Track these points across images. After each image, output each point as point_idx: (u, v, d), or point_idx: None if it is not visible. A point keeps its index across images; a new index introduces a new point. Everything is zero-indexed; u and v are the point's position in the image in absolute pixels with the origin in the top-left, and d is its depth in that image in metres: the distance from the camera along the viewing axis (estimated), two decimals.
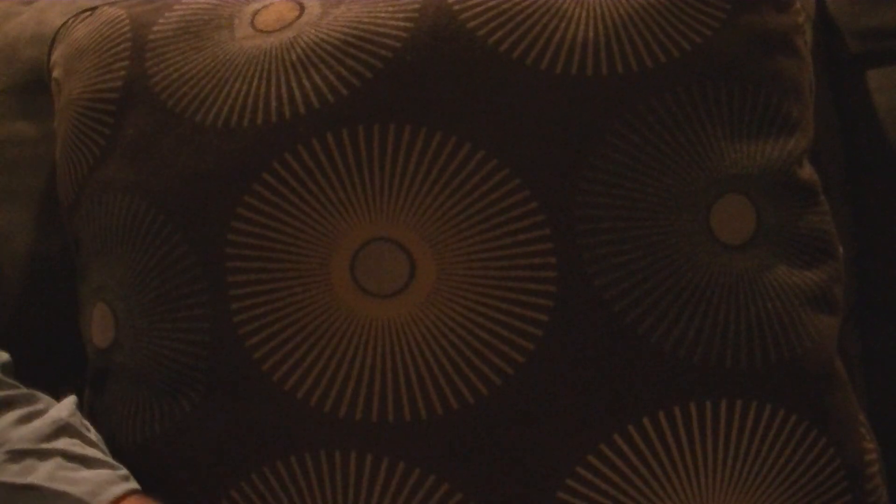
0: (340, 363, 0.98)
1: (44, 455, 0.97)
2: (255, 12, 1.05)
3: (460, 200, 0.98)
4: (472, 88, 0.99)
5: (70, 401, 1.03)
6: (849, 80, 1.16)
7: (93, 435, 1.01)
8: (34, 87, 1.21)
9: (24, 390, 1.03)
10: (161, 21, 1.06)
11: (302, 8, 1.05)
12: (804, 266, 1.02)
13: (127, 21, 1.08)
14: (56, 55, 1.12)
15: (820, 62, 1.13)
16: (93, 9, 1.12)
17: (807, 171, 1.03)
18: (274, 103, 1.00)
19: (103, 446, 1.01)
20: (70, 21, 1.13)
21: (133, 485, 0.98)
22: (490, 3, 1.01)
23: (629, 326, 0.97)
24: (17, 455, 0.97)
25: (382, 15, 1.02)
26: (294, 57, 1.02)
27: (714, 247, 0.99)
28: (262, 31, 1.04)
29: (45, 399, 1.03)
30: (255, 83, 1.01)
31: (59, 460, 0.97)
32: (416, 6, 1.02)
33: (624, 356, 0.97)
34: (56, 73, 1.11)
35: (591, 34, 1.00)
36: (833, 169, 1.14)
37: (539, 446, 0.97)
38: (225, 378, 1.00)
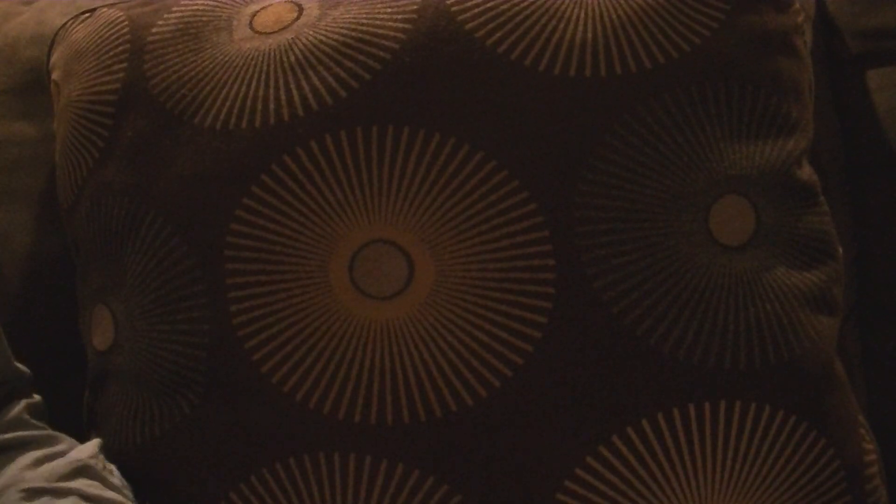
0: (339, 365, 0.98)
1: (60, 493, 0.94)
2: (254, 14, 1.05)
3: (459, 202, 0.98)
4: (471, 90, 0.99)
5: (93, 444, 1.01)
6: (849, 80, 1.16)
7: (116, 479, 0.98)
8: (34, 87, 1.21)
9: (48, 432, 1.02)
10: (160, 23, 1.06)
11: (300, 9, 1.05)
12: (803, 267, 1.02)
13: (126, 23, 1.08)
14: (55, 57, 1.12)
15: (820, 62, 1.13)
16: (92, 10, 1.12)
17: (806, 172, 1.03)
18: (272, 105, 1.00)
19: (128, 492, 0.98)
20: (69, 23, 1.13)
21: None
22: (488, 5, 1.01)
23: (628, 328, 0.97)
24: (33, 493, 0.94)
25: (381, 16, 1.02)
26: (292, 59, 1.02)
27: (713, 248, 0.99)
28: (260, 32, 1.04)
29: (66, 441, 1.01)
30: (253, 85, 1.01)
31: (75, 499, 0.94)
32: (415, 7, 1.02)
33: (623, 358, 0.97)
34: (55, 75, 1.11)
35: (589, 35, 1.00)
36: (833, 169, 1.14)
37: (538, 448, 0.97)
38: (224, 380, 1.00)
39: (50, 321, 1.17)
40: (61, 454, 0.99)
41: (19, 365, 1.04)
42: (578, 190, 0.98)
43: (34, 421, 1.02)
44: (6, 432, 1.00)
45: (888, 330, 1.14)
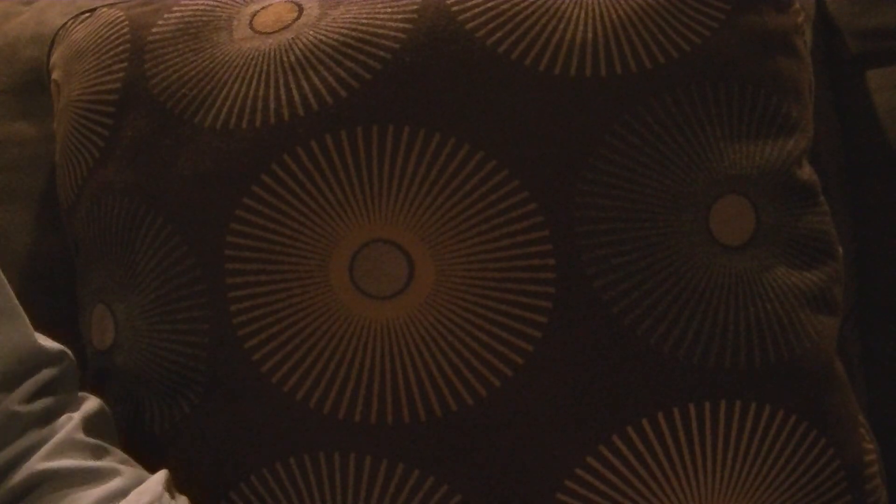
0: (339, 365, 0.98)
1: None
2: (254, 14, 1.05)
3: (459, 202, 0.98)
4: (471, 89, 0.99)
5: (157, 481, 0.91)
6: (849, 80, 1.16)
7: None
8: (34, 87, 1.21)
9: (104, 462, 0.92)
10: (160, 23, 1.06)
11: (300, 9, 1.05)
12: (803, 266, 1.02)
13: (126, 23, 1.08)
14: (55, 56, 1.12)
15: (820, 62, 1.13)
16: (92, 10, 1.12)
17: (806, 172, 1.03)
18: (272, 105, 1.00)
19: None
20: (69, 22, 1.13)
21: None
22: (489, 4, 1.01)
23: (628, 327, 0.97)
24: None
25: (381, 16, 1.02)
26: (293, 58, 1.02)
27: (713, 247, 0.99)
28: (260, 32, 1.04)
29: (126, 473, 0.92)
30: (253, 85, 1.01)
31: None
32: (415, 7, 1.02)
33: (623, 357, 0.97)
34: (55, 75, 1.11)
35: (589, 35, 1.00)
36: (833, 169, 1.14)
37: (538, 448, 0.97)
38: (224, 379, 1.00)
39: (50, 321, 1.17)
40: (119, 495, 0.90)
41: (50, 343, 0.96)
42: (578, 190, 0.98)
43: (90, 439, 0.93)
44: (50, 458, 0.91)
45: (888, 330, 1.14)
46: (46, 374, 0.96)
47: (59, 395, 0.96)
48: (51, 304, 1.17)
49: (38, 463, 0.91)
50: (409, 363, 0.97)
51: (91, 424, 0.96)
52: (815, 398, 1.00)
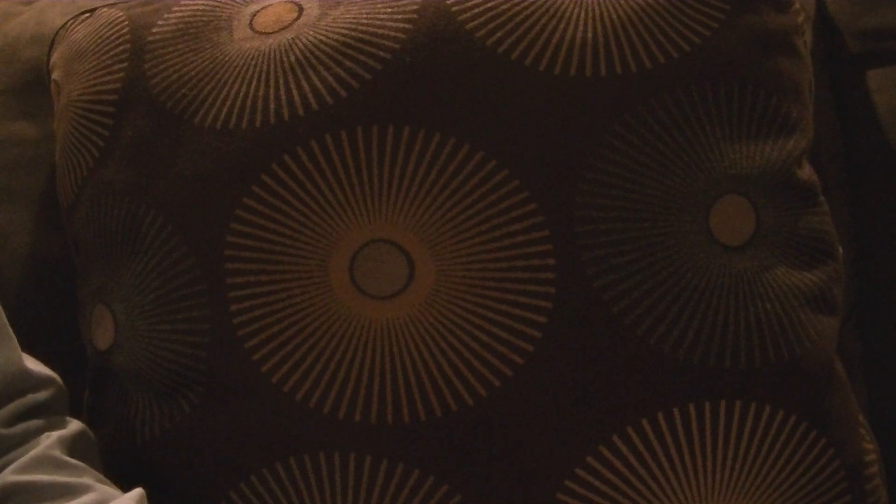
0: (339, 365, 0.98)
1: None
2: (254, 14, 1.05)
3: (459, 202, 0.98)
4: (471, 89, 0.99)
5: (130, 498, 0.89)
6: (849, 80, 1.16)
7: None
8: (34, 87, 1.21)
9: (76, 479, 0.90)
10: (160, 23, 1.06)
11: (300, 9, 1.05)
12: (803, 266, 1.02)
13: (126, 23, 1.08)
14: (55, 56, 1.12)
15: (820, 62, 1.13)
16: (92, 10, 1.12)
17: (806, 172, 1.03)
18: (272, 105, 1.00)
19: None
20: (69, 22, 1.13)
21: None
22: (489, 4, 1.01)
23: (628, 327, 0.97)
24: None
25: (381, 16, 1.02)
26: (293, 58, 1.02)
27: (713, 247, 0.99)
28: (260, 32, 1.04)
29: (97, 490, 0.90)
30: (253, 85, 1.01)
31: None
32: (415, 7, 1.02)
33: (623, 357, 0.97)
34: (55, 75, 1.11)
35: (589, 35, 1.00)
36: (833, 169, 1.14)
37: (538, 448, 0.97)
38: (224, 380, 1.00)
39: (50, 321, 1.17)
40: None
41: (39, 368, 0.96)
42: (578, 190, 0.98)
43: (66, 458, 0.92)
44: (23, 472, 0.90)
45: (888, 330, 1.14)
46: (32, 399, 0.96)
47: (43, 421, 0.96)
48: (51, 304, 1.18)
49: (11, 475, 0.90)
50: (410, 363, 0.97)
51: (69, 444, 0.95)
52: (815, 398, 1.00)
